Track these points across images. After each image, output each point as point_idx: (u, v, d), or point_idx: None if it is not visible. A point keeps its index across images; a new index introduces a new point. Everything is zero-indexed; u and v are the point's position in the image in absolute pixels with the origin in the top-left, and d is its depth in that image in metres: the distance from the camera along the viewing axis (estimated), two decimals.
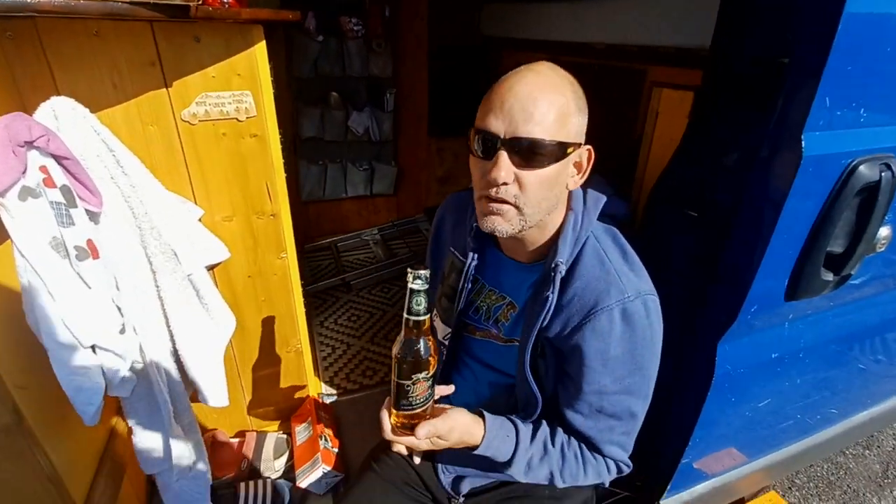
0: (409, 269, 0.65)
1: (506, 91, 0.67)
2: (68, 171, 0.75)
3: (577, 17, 2.29)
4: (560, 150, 0.67)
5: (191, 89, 1.02)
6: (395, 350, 0.68)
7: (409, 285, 0.64)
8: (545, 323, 0.75)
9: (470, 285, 0.89)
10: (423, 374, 0.67)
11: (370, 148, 2.84)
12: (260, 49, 1.05)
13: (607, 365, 0.73)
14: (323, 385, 1.77)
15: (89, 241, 0.78)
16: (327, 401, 1.65)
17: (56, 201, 0.72)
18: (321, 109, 2.59)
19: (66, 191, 0.74)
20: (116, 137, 0.91)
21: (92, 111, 0.89)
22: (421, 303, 0.64)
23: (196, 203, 1.13)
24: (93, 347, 0.79)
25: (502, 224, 0.71)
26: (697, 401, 0.99)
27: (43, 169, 0.71)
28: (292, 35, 2.38)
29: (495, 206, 0.70)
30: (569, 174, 0.73)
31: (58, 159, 0.73)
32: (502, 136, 0.66)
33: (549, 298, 0.73)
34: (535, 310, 0.76)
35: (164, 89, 1.00)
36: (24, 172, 0.68)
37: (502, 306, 0.87)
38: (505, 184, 0.68)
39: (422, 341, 0.67)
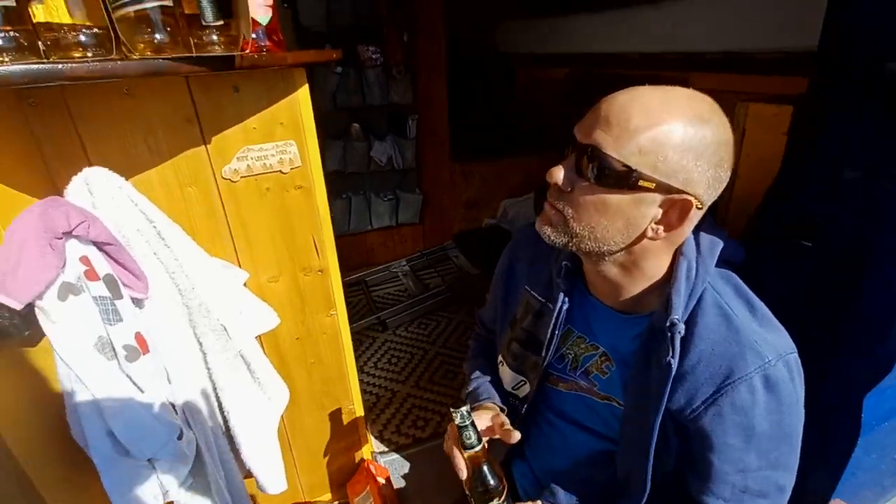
0: (451, 409, 0.68)
1: (610, 98, 0.59)
2: (111, 256, 0.64)
3: (609, 26, 2.19)
4: (626, 177, 0.56)
5: (231, 144, 0.92)
6: (464, 484, 0.70)
7: (455, 423, 0.67)
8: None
9: (558, 332, 0.78)
10: (495, 501, 0.68)
11: (393, 177, 2.75)
12: (303, 94, 0.95)
13: (751, 441, 0.61)
14: (374, 441, 1.63)
15: (138, 335, 0.67)
16: (382, 461, 1.51)
17: (100, 296, 0.62)
18: (343, 142, 2.51)
19: (109, 281, 0.63)
20: (154, 205, 0.81)
21: (126, 177, 0.79)
22: (471, 436, 0.67)
23: (240, 266, 1.02)
24: (149, 460, 0.67)
25: (546, 229, 0.66)
26: (840, 461, 0.85)
27: (84, 260, 0.60)
28: (310, 69, 2.31)
29: (548, 208, 0.65)
30: (646, 216, 0.60)
31: (100, 246, 0.63)
32: (578, 139, 0.61)
33: (672, 365, 0.61)
34: (653, 376, 0.64)
35: (203, 146, 0.90)
36: (62, 267, 0.58)
37: (594, 357, 0.76)
38: (559, 188, 0.62)
39: (485, 469, 0.68)
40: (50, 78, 0.53)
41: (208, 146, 0.91)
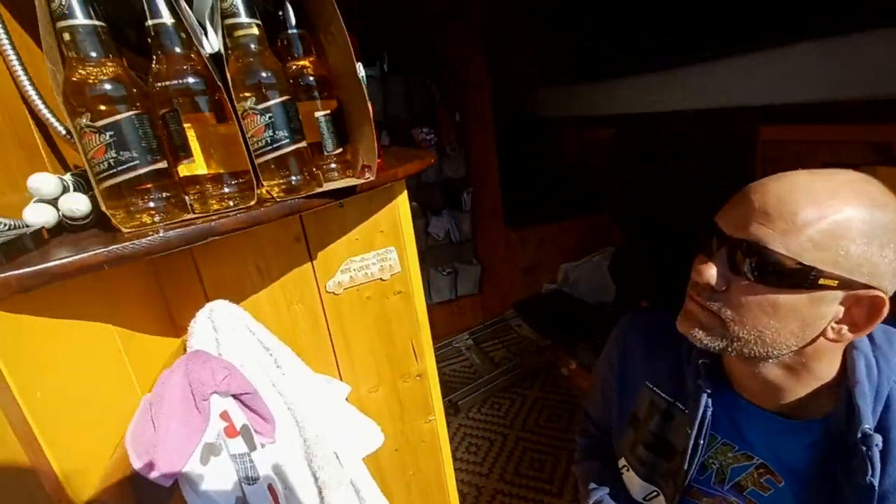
0: None
1: (759, 184, 0.53)
2: (246, 405, 0.61)
3: (658, 86, 2.18)
4: (801, 276, 0.50)
5: (334, 258, 0.91)
6: None
7: None
8: None
9: (703, 441, 0.67)
10: None
11: (450, 250, 2.75)
12: (402, 200, 0.95)
13: None
14: None
15: (271, 487, 0.62)
16: None
17: (239, 453, 0.57)
18: None
19: (245, 432, 0.59)
20: (265, 327, 0.80)
21: (237, 301, 0.78)
22: None
23: (341, 378, 0.98)
24: None
25: (698, 333, 0.58)
26: None
27: (224, 415, 0.57)
28: None
29: (697, 309, 0.57)
30: (825, 316, 0.53)
31: (237, 396, 0.59)
32: (726, 233, 0.55)
33: (874, 485, 0.52)
34: (848, 497, 0.55)
35: (309, 263, 0.90)
36: (206, 428, 0.54)
37: (747, 469, 0.65)
38: (711, 289, 0.56)
39: None
40: (203, 236, 0.53)
41: (314, 262, 0.90)
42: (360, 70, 0.86)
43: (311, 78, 0.69)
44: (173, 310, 0.81)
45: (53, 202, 0.55)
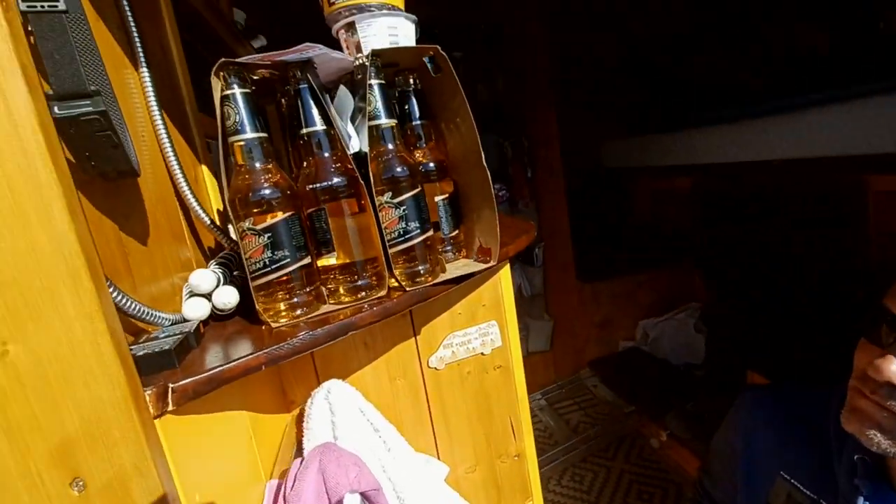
0: None
1: None
2: (370, 501, 0.59)
3: (749, 133, 2.08)
4: None
5: (437, 332, 0.91)
6: None
7: None
8: None
9: None
10: None
11: (522, 305, 2.69)
12: (504, 273, 0.93)
13: None
14: None
15: None
16: None
17: None
18: None
19: None
20: (372, 404, 0.79)
21: (342, 375, 0.78)
22: None
23: (439, 457, 0.94)
24: None
25: (876, 436, 0.52)
26: None
27: None
28: None
29: (874, 409, 0.51)
30: None
31: (364, 494, 0.58)
32: None
33: None
34: None
35: (413, 339, 0.89)
36: None
37: None
38: (892, 386, 0.50)
39: None
40: (345, 332, 0.53)
41: (417, 337, 0.90)
42: None
43: (432, 164, 0.71)
44: (285, 384, 0.83)
45: (207, 296, 0.58)
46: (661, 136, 2.57)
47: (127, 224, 0.57)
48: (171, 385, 0.41)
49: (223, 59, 0.50)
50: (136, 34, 0.66)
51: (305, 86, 0.55)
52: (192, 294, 0.58)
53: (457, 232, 0.74)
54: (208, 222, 0.65)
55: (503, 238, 0.87)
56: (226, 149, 0.54)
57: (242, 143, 0.53)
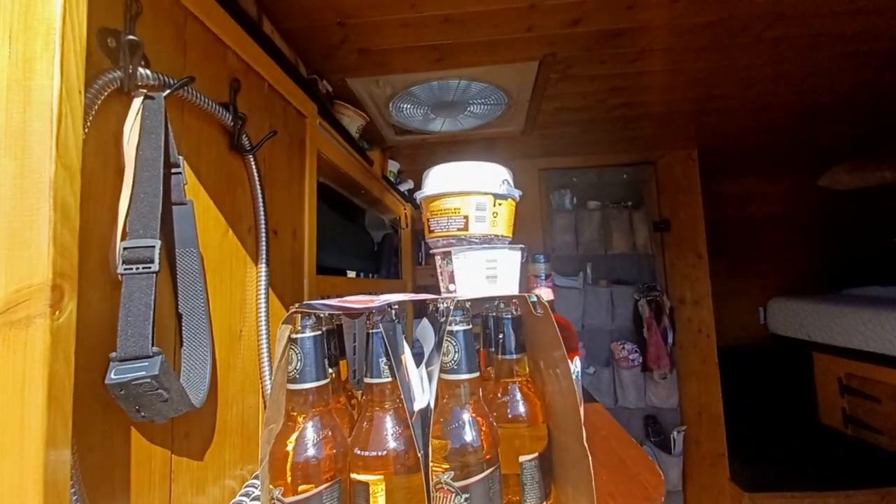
0: None
1: None
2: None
3: None
4: None
5: None
6: None
7: None
8: None
9: None
10: None
11: None
12: None
13: None
14: None
15: None
16: None
17: None
18: None
19: None
20: None
21: None
22: None
23: None
24: None
25: None
26: None
27: None
28: None
29: None
30: None
31: None
32: None
33: None
34: None
35: None
36: None
37: None
38: None
39: None
40: None
41: None
42: (574, 366, 0.73)
43: (523, 408, 0.58)
44: None
45: None
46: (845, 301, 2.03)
47: (184, 443, 0.55)
48: None
49: (294, 308, 0.47)
50: (264, 235, 0.71)
51: (378, 332, 0.49)
52: None
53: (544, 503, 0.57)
54: None
55: (610, 489, 0.66)
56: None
57: (298, 392, 0.47)
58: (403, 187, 2.19)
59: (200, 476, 0.58)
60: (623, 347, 2.20)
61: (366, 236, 1.92)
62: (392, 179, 2.01)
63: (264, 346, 0.72)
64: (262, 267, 0.72)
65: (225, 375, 0.64)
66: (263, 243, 0.72)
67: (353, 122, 1.42)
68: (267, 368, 0.70)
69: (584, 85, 1.50)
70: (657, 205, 2.35)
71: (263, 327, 0.72)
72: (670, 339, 2.14)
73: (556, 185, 2.39)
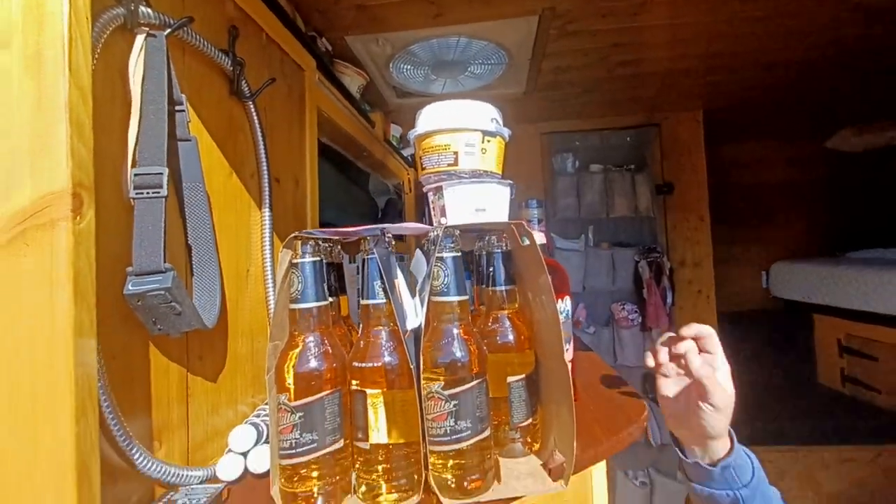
0: None
1: None
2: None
3: None
4: None
5: None
6: None
7: None
8: None
9: None
10: None
11: (648, 454, 2.23)
12: (598, 469, 0.75)
13: None
14: None
15: None
16: None
17: None
18: None
19: None
20: None
21: None
22: None
23: None
24: None
25: None
26: None
27: None
28: None
29: None
30: None
31: None
32: None
33: None
34: None
35: None
36: None
37: None
38: None
39: None
40: None
41: None
42: (563, 305, 0.77)
43: (511, 336, 0.62)
44: None
45: (244, 454, 0.56)
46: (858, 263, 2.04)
47: (198, 364, 0.59)
48: None
49: (294, 234, 0.51)
50: (266, 181, 0.74)
51: (373, 257, 0.53)
52: (231, 452, 0.56)
53: (530, 420, 0.61)
54: None
55: (595, 428, 0.71)
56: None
57: (299, 311, 0.51)
58: (406, 152, 2.20)
59: (215, 398, 0.63)
60: (623, 308, 2.24)
61: (370, 199, 1.95)
62: (395, 144, 2.01)
63: (270, 288, 0.76)
64: (266, 212, 0.76)
65: (234, 310, 0.68)
66: (266, 189, 0.75)
67: (353, 81, 1.42)
68: (273, 306, 0.75)
69: (584, 41, 1.48)
70: (661, 167, 2.35)
71: (269, 270, 0.76)
72: (669, 300, 2.18)
73: (558, 149, 2.38)
